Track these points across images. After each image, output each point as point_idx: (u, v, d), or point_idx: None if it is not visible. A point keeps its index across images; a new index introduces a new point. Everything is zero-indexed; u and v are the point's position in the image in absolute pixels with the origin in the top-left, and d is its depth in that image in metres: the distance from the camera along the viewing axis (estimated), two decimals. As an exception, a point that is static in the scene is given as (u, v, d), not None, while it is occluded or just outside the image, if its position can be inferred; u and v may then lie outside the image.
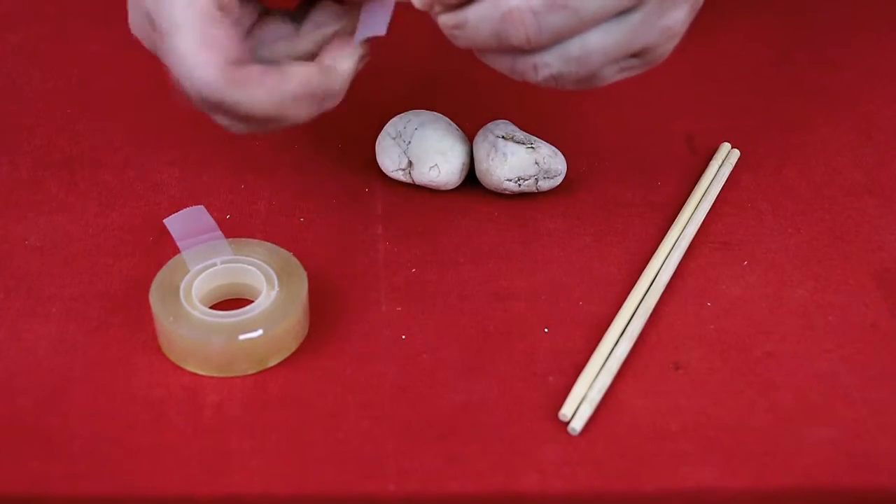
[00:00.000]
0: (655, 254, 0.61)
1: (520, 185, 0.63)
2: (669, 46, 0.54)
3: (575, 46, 0.52)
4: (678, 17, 0.53)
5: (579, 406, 0.52)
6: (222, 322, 0.54)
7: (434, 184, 0.64)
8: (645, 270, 0.60)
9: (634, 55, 0.53)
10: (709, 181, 0.66)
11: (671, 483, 0.50)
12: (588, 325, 0.57)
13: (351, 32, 0.56)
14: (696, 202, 0.64)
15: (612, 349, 0.55)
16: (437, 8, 0.53)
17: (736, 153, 0.68)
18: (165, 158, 0.67)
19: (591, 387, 0.53)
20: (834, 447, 0.51)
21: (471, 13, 0.52)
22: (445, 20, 0.53)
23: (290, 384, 0.54)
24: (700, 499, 0.50)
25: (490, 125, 0.65)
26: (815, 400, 0.54)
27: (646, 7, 0.52)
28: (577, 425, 0.51)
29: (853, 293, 0.59)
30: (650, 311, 0.57)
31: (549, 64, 0.52)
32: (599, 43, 0.52)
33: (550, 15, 0.50)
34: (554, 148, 0.64)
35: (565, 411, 0.52)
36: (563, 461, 0.51)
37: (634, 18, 0.52)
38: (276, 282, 0.56)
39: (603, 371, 0.54)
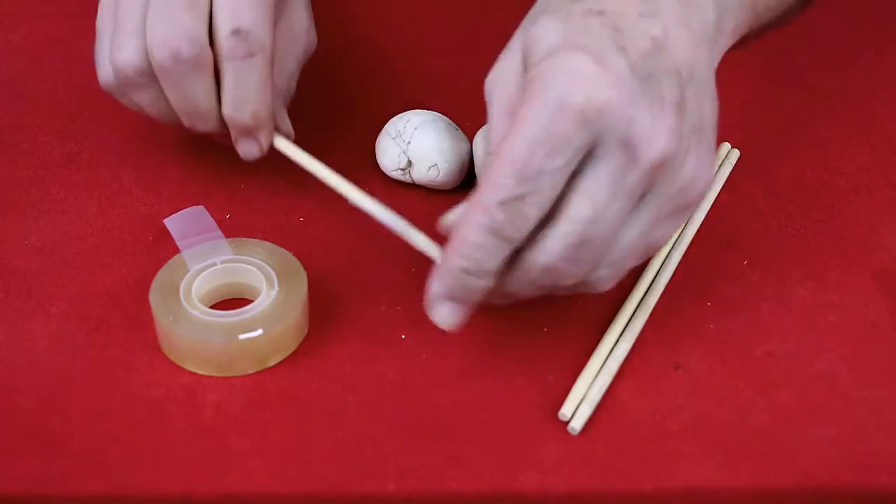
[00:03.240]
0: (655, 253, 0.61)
1: (520, 184, 0.63)
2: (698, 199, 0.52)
3: (612, 255, 0.50)
4: (698, 172, 0.50)
5: (579, 405, 0.52)
6: (222, 322, 0.54)
7: (434, 184, 0.64)
8: (645, 270, 0.60)
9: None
10: (708, 181, 0.66)
11: (671, 482, 0.50)
12: (588, 325, 0.57)
13: None
14: (696, 202, 0.64)
15: (612, 349, 0.55)
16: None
17: (736, 153, 0.68)
18: (165, 158, 0.67)
19: (590, 386, 0.53)
20: (833, 446, 0.51)
21: (509, 286, 0.51)
22: (493, 301, 0.52)
23: (290, 384, 0.54)
24: (700, 498, 0.50)
25: (490, 125, 0.65)
26: (815, 399, 0.54)
27: (657, 187, 0.49)
28: (576, 425, 0.51)
29: (853, 293, 0.59)
30: (650, 310, 0.57)
31: (600, 278, 0.52)
32: (629, 240, 0.50)
33: (581, 252, 0.49)
34: (554, 148, 0.64)
35: (565, 411, 0.52)
36: (562, 460, 0.51)
37: (649, 204, 0.50)
38: (275, 281, 0.56)
39: (603, 371, 0.54)
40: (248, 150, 0.61)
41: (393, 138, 0.65)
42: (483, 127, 0.65)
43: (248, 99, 0.58)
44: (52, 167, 0.66)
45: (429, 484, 0.50)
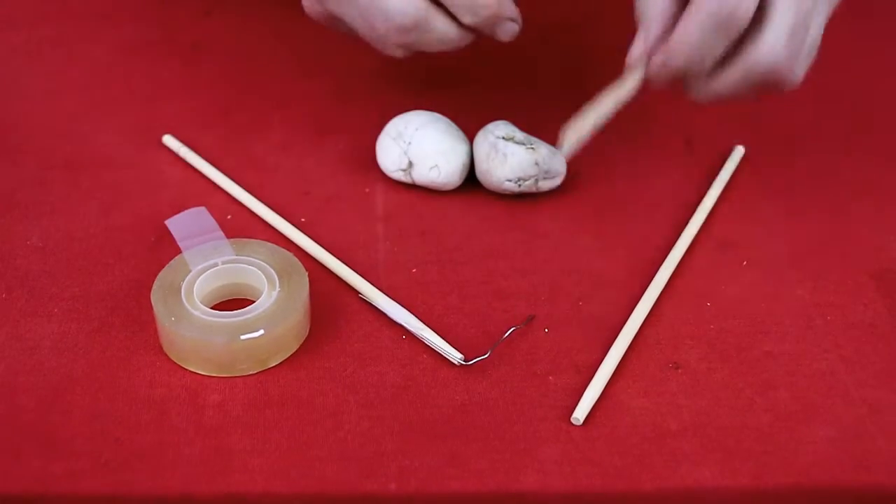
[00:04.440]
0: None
1: (520, 185, 0.63)
2: None
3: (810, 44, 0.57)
4: None
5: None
6: (223, 322, 0.54)
7: (434, 184, 0.64)
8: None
9: None
10: (709, 181, 0.66)
11: (671, 482, 0.50)
12: (588, 325, 0.57)
13: None
14: (696, 202, 0.64)
15: (613, 348, 0.55)
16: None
17: (740, 150, 0.68)
18: (167, 159, 0.67)
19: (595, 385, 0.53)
20: (832, 446, 0.51)
21: (722, 86, 0.57)
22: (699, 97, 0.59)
23: (291, 384, 0.54)
24: (699, 498, 0.50)
25: (490, 125, 0.65)
26: (814, 399, 0.54)
27: None
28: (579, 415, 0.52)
29: (852, 293, 0.59)
30: (649, 310, 0.58)
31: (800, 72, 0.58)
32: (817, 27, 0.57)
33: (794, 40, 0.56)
34: (553, 148, 0.64)
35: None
36: (562, 460, 0.51)
37: None
38: (277, 282, 0.56)
39: (603, 370, 0.54)
40: (507, 29, 0.61)
41: (394, 139, 0.65)
42: (484, 127, 0.65)
43: None
44: (53, 168, 0.67)
45: (429, 484, 0.50)
